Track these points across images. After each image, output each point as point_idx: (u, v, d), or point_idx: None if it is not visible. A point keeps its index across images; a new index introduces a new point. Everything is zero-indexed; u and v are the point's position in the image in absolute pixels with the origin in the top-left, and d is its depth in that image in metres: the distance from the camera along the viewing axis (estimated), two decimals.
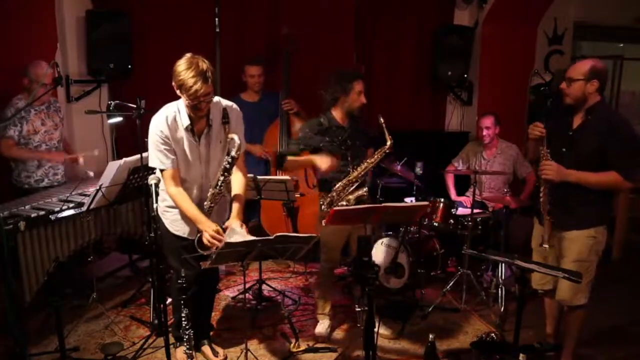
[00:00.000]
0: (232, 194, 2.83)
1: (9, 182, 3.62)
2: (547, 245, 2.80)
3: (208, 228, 2.59)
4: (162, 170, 2.68)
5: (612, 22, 6.09)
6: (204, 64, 2.49)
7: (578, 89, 2.70)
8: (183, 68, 2.48)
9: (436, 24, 5.27)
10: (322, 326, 3.43)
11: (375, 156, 3.16)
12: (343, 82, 3.18)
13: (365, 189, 3.19)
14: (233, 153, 2.65)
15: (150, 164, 2.71)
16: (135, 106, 3.32)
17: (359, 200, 3.15)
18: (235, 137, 2.64)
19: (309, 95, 4.63)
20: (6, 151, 3.50)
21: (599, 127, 2.67)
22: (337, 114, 3.24)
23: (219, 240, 2.55)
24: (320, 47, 4.89)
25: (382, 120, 3.09)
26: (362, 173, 3.17)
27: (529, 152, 3.05)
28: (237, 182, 2.84)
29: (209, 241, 2.57)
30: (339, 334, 3.47)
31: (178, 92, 2.57)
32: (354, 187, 3.17)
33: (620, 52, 6.70)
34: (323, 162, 3.09)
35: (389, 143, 3.11)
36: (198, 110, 2.59)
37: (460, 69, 5.24)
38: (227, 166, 2.67)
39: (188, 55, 2.54)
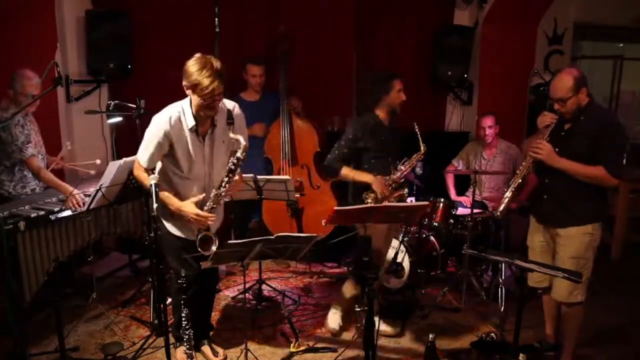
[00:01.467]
0: None
1: None
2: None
3: (184, 211, 2.65)
4: (138, 161, 2.73)
5: (612, 22, 6.09)
6: (217, 63, 2.51)
7: (573, 105, 2.71)
8: (196, 68, 2.48)
9: (436, 24, 5.27)
10: (334, 320, 3.44)
11: (412, 161, 3.27)
12: (383, 82, 3.26)
13: (406, 190, 3.30)
14: (239, 154, 2.65)
15: (138, 154, 2.74)
16: (135, 106, 3.32)
17: (399, 199, 3.23)
18: (241, 138, 2.64)
19: (309, 95, 4.66)
20: (37, 169, 3.36)
21: (592, 127, 2.70)
22: (380, 113, 3.31)
23: (204, 218, 2.63)
24: (320, 47, 4.89)
25: (417, 128, 3.22)
26: (401, 176, 3.25)
27: (525, 146, 3.06)
28: None
29: (194, 220, 2.63)
30: (339, 333, 3.47)
31: (189, 92, 2.56)
32: (393, 187, 3.24)
33: (620, 52, 6.69)
34: (378, 186, 3.16)
35: (422, 149, 3.27)
36: (211, 109, 2.60)
37: (460, 69, 5.24)
38: (232, 167, 2.68)
39: (198, 55, 2.53)
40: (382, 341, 3.26)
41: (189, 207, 2.68)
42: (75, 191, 3.25)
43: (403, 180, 3.29)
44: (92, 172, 3.64)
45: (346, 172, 3.25)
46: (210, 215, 2.66)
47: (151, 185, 2.47)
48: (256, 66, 4.34)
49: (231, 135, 2.66)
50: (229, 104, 2.79)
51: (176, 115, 2.65)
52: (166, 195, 2.70)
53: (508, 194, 2.90)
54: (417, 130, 3.20)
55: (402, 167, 3.26)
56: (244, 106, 2.93)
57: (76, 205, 3.22)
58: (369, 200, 3.18)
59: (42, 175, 3.38)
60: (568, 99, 2.69)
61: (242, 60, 4.40)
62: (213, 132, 2.74)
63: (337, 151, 3.28)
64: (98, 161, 3.73)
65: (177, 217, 2.80)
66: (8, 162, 3.36)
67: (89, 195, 3.20)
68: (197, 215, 2.65)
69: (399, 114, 3.36)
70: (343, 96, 5.08)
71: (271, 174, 4.38)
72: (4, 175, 3.40)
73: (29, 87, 3.26)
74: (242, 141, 2.64)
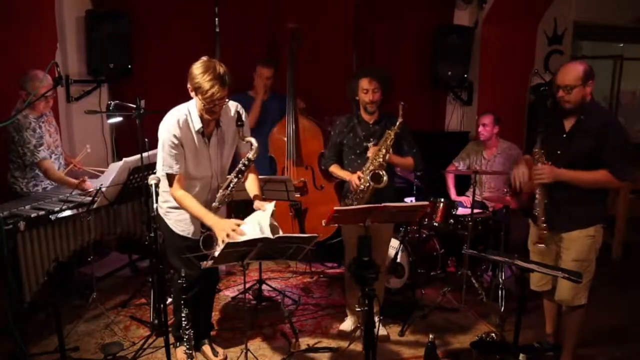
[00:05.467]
0: (252, 194, 2.85)
1: (9, 190, 3.49)
2: (542, 245, 2.80)
3: (223, 226, 2.52)
4: (169, 174, 2.68)
5: (612, 22, 6.09)
6: (220, 68, 2.52)
7: (578, 95, 2.70)
8: (200, 71, 2.50)
9: (436, 24, 5.26)
10: (347, 323, 3.48)
11: (385, 137, 3.12)
12: (352, 82, 3.25)
13: (384, 178, 3.09)
14: (250, 155, 2.67)
15: (160, 168, 2.72)
16: (134, 106, 3.32)
17: (375, 181, 3.08)
18: (253, 140, 2.67)
19: (308, 95, 4.66)
20: (44, 171, 3.41)
21: (592, 127, 2.69)
22: (363, 113, 3.31)
23: (239, 233, 2.50)
24: (320, 47, 4.89)
25: (402, 104, 3.10)
26: (376, 157, 3.12)
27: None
28: (253, 182, 2.88)
29: (228, 235, 2.49)
30: (339, 333, 3.47)
31: (193, 94, 2.59)
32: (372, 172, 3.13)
33: (620, 52, 6.70)
34: (351, 182, 3.20)
35: (397, 122, 3.09)
36: (212, 113, 2.62)
37: (460, 69, 5.24)
38: (242, 168, 2.69)
39: (204, 58, 2.56)
40: (382, 341, 3.26)
41: (221, 223, 2.55)
42: (83, 182, 3.36)
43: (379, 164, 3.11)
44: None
45: (333, 169, 3.40)
46: (243, 231, 2.51)
47: (151, 185, 2.47)
48: (267, 68, 4.34)
49: (246, 139, 2.68)
50: (232, 104, 2.80)
51: (183, 117, 2.67)
52: (194, 204, 2.63)
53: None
54: (401, 105, 3.08)
55: (376, 148, 3.13)
56: (250, 104, 2.92)
57: (89, 188, 3.32)
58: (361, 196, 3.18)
59: (50, 176, 3.44)
60: (575, 87, 2.68)
61: (256, 61, 4.41)
62: (218, 132, 2.76)
63: (326, 150, 3.48)
64: (88, 148, 3.83)
65: (183, 217, 2.81)
66: (21, 160, 3.40)
67: (90, 195, 3.21)
68: (235, 228, 2.50)
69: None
70: (343, 96, 5.07)
71: (275, 174, 4.38)
72: (17, 173, 3.45)
73: (39, 88, 3.26)
74: (254, 143, 2.66)
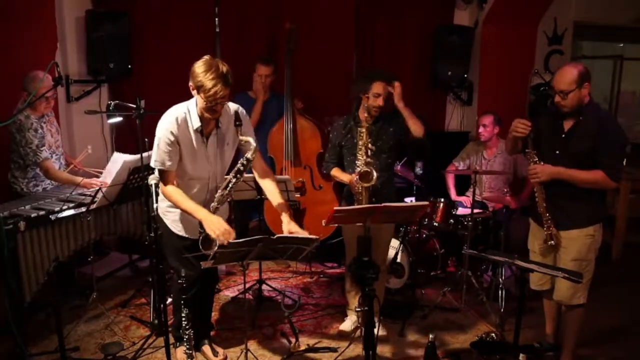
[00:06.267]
0: (275, 202, 2.85)
1: (9, 190, 3.51)
2: (553, 242, 2.81)
3: (213, 224, 2.55)
4: (161, 171, 2.68)
5: (612, 22, 6.09)
6: (223, 67, 2.52)
7: (574, 98, 2.70)
8: (202, 70, 2.49)
9: (436, 24, 5.26)
10: (347, 323, 3.47)
11: (359, 135, 3.13)
12: (364, 81, 3.21)
13: (373, 175, 3.07)
14: (248, 155, 2.66)
15: (152, 163, 2.71)
16: (135, 106, 3.32)
17: (366, 182, 3.08)
18: (251, 139, 2.65)
19: (308, 95, 4.66)
20: (44, 171, 3.43)
21: (591, 128, 2.70)
22: (361, 114, 3.27)
23: (228, 233, 2.53)
24: (320, 47, 4.89)
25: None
26: (360, 156, 3.12)
27: (508, 147, 3.08)
28: (273, 189, 2.89)
29: (217, 237, 2.53)
30: (339, 333, 3.46)
31: (194, 92, 2.59)
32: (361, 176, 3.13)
33: (620, 52, 6.70)
34: (350, 184, 3.21)
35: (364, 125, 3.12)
36: (213, 112, 2.61)
37: (460, 69, 5.24)
38: (241, 168, 2.67)
39: (206, 57, 2.56)
40: (382, 341, 3.26)
41: (210, 217, 2.59)
42: (86, 180, 3.38)
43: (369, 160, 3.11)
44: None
45: (334, 173, 3.39)
46: (232, 232, 2.56)
47: (151, 185, 2.47)
48: (264, 66, 4.33)
49: (241, 137, 2.67)
50: (232, 105, 2.79)
51: (182, 115, 2.67)
52: (184, 199, 2.65)
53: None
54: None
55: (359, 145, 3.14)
56: (249, 104, 2.91)
57: (95, 185, 3.32)
58: (360, 198, 3.17)
59: (51, 176, 3.45)
60: (570, 92, 2.68)
61: (257, 59, 4.40)
62: (217, 132, 2.76)
63: (327, 153, 3.47)
64: (89, 149, 3.87)
65: (180, 217, 2.81)
66: (22, 161, 3.41)
67: (90, 195, 3.21)
68: (227, 231, 2.55)
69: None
70: (343, 96, 5.07)
71: (274, 174, 4.37)
72: (18, 173, 3.47)
73: (40, 89, 3.26)
74: (252, 142, 2.65)
